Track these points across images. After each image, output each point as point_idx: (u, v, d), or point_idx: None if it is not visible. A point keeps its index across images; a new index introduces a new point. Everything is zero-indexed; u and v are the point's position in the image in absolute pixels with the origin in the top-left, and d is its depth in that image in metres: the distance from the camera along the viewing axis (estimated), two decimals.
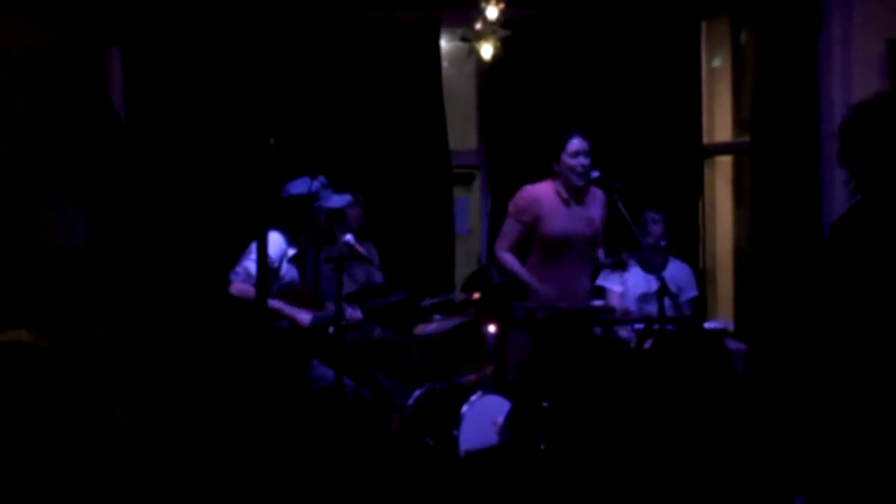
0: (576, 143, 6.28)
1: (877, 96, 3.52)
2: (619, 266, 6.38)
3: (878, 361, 3.31)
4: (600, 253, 6.54)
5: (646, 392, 5.44)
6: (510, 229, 6.44)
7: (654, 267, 6.78)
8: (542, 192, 6.39)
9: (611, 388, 5.69)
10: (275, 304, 5.95)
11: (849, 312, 3.39)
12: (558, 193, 6.35)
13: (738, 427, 4.66)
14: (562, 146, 6.29)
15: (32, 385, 2.78)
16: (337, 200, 6.25)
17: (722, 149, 8.16)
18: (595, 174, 6.22)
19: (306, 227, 6.16)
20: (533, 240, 6.40)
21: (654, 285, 6.42)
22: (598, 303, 6.77)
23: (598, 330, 6.31)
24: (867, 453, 3.33)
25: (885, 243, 3.36)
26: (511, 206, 6.46)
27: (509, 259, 6.39)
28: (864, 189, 3.48)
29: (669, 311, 5.89)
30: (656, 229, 6.99)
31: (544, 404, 5.76)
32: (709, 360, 5.64)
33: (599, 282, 7.11)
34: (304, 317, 6.05)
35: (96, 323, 3.27)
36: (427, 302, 6.81)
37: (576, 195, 6.36)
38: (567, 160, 6.29)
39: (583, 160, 6.27)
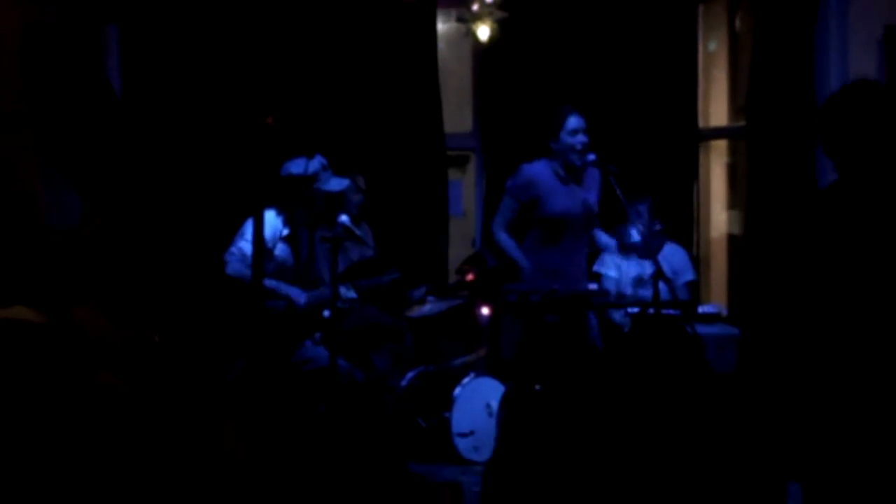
0: (574, 121, 6.18)
1: (854, 83, 3.59)
2: (624, 250, 6.37)
3: (868, 344, 3.33)
4: (598, 233, 6.51)
5: (623, 381, 5.45)
6: (507, 208, 6.34)
7: (649, 251, 6.77)
8: (541, 172, 6.28)
9: (601, 372, 5.70)
10: (270, 283, 5.94)
11: (829, 292, 3.43)
12: (556, 173, 6.27)
13: (714, 412, 4.66)
14: (560, 125, 6.19)
15: (31, 361, 2.78)
16: (336, 184, 6.21)
17: (717, 133, 8.16)
18: (591, 157, 6.16)
19: (303, 207, 6.15)
20: (532, 219, 6.32)
21: (648, 269, 6.42)
22: (593, 286, 6.77)
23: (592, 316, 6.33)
24: (860, 438, 3.34)
25: (860, 224, 3.40)
26: (509, 185, 6.35)
27: (504, 238, 6.30)
28: (843, 171, 3.55)
29: (665, 296, 5.89)
30: (642, 220, 6.93)
31: (537, 387, 5.76)
32: (671, 346, 5.62)
33: (596, 267, 7.10)
34: (300, 296, 6.04)
35: (91, 300, 3.27)
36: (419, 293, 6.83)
37: (574, 175, 6.28)
38: (566, 139, 6.18)
39: (582, 138, 6.17)
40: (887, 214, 3.40)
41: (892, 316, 3.33)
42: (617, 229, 6.52)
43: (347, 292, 6.33)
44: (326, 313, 6.01)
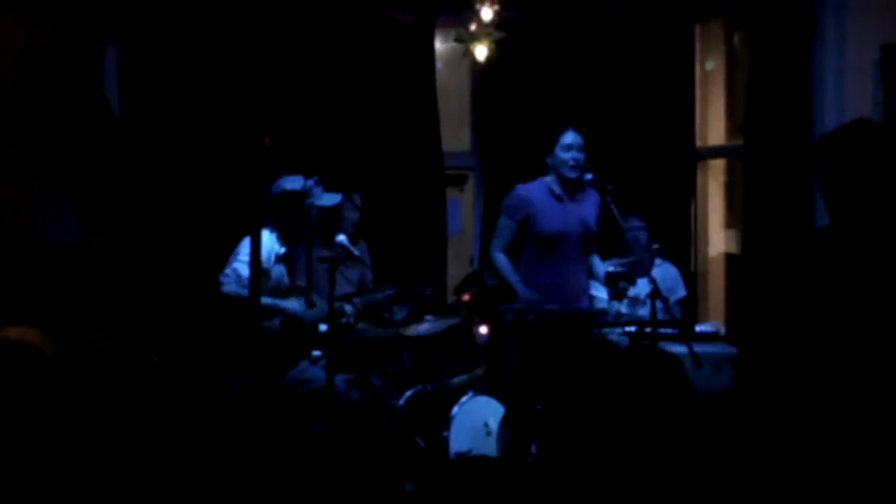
0: (569, 137, 6.21)
1: (854, 122, 3.53)
2: (618, 296, 6.35)
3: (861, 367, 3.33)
4: (595, 260, 6.51)
5: (615, 399, 5.46)
6: (504, 228, 6.36)
7: (640, 269, 6.76)
8: (535, 190, 6.31)
9: (601, 390, 5.70)
10: (266, 300, 5.95)
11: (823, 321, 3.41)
12: (551, 190, 6.28)
13: (695, 432, 4.67)
14: (555, 140, 6.25)
15: (38, 382, 2.80)
16: (329, 199, 6.24)
17: (715, 152, 8.17)
18: (589, 176, 6.17)
19: (297, 223, 6.16)
20: (526, 237, 6.33)
21: (643, 289, 6.42)
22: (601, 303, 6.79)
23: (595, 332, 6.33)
24: (853, 455, 3.34)
25: (853, 268, 3.39)
26: (504, 205, 6.40)
27: (501, 260, 6.31)
28: (836, 213, 3.51)
29: (660, 314, 5.90)
30: (641, 237, 6.95)
31: (538, 407, 5.76)
32: (650, 367, 5.63)
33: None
34: (297, 305, 6.06)
35: (91, 321, 3.28)
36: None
37: (569, 192, 6.29)
38: (560, 153, 6.22)
39: (575, 154, 6.19)
40: (881, 259, 3.37)
41: (886, 360, 3.31)
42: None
43: (347, 309, 6.34)
44: (323, 329, 6.01)
